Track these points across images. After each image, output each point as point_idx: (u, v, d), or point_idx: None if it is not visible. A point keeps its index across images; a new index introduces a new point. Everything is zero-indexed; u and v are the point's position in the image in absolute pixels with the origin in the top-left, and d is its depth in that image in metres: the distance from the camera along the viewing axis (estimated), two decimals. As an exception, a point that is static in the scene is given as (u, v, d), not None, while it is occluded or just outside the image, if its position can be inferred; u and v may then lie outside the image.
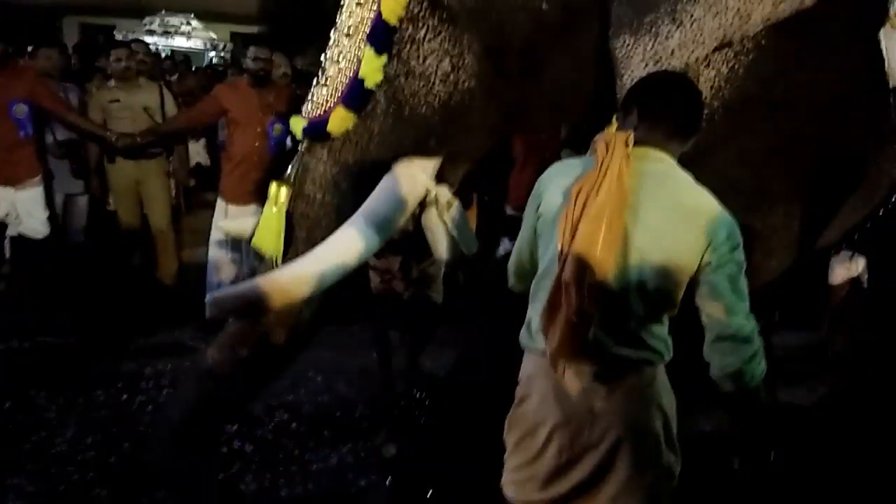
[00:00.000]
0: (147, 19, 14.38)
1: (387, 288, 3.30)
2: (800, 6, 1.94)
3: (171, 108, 5.01)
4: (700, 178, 1.68)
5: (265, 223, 2.21)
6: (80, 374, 3.82)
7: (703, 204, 1.65)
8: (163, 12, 14.34)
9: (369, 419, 3.47)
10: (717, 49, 2.00)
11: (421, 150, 2.19)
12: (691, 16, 1.92)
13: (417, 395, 3.41)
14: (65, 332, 4.30)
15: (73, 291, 4.72)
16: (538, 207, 1.75)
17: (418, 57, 2.07)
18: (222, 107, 4.49)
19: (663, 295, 1.65)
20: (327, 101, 2.13)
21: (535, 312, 1.75)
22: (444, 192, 2.24)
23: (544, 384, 1.73)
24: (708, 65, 2.10)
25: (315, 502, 2.88)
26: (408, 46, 2.07)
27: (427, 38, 2.05)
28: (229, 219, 4.25)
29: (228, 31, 15.88)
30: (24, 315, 4.41)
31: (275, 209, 2.18)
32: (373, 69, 2.06)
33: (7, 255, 4.85)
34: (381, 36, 2.05)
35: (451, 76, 2.07)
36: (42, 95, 4.42)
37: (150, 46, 13.06)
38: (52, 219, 4.64)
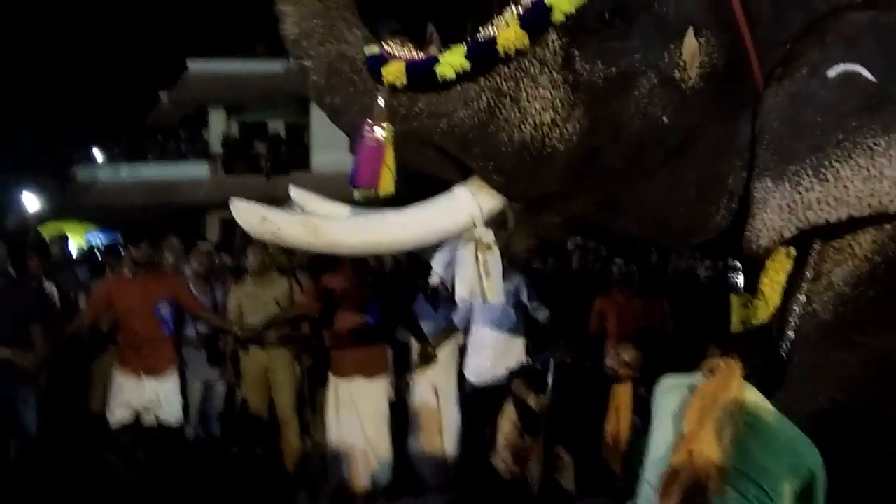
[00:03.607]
0: (279, 210, 15.65)
1: (517, 474, 3.16)
2: None
3: (300, 298, 5.30)
4: None
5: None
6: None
7: (794, 439, 1.82)
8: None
9: None
10: (872, 218, 1.89)
11: (486, 174, 2.12)
12: (837, 174, 1.86)
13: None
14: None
15: (203, 479, 4.82)
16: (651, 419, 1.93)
17: (528, 93, 2.03)
18: (329, 292, 4.90)
19: None
20: (401, 54, 2.06)
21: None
22: (488, 234, 2.18)
23: None
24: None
25: None
26: (525, 78, 2.03)
27: (542, 84, 2.03)
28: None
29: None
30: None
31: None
32: (452, 63, 1.99)
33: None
34: (482, 51, 1.99)
35: (544, 128, 2.03)
36: (183, 297, 4.96)
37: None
38: (185, 408, 4.90)
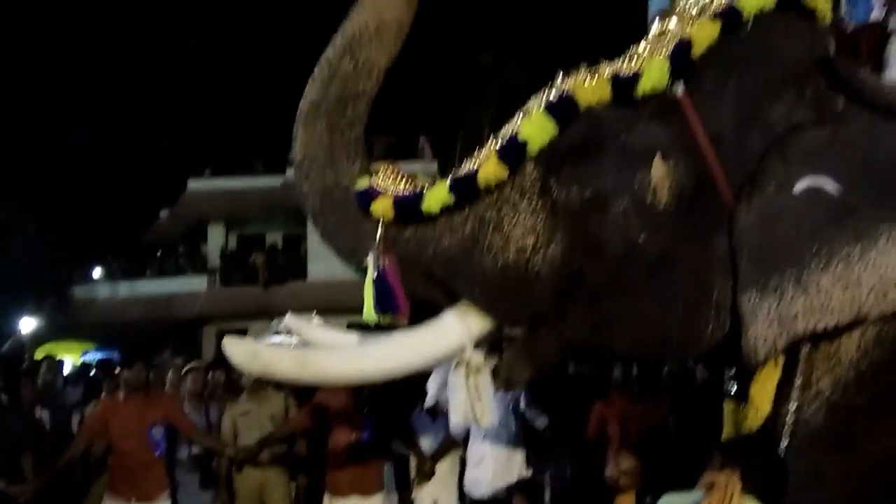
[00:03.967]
0: (275, 321, 15.66)
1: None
2: None
3: (295, 415, 5.24)
4: None
5: (367, 293, 2.16)
6: None
7: None
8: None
9: None
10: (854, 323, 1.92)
11: (472, 298, 2.15)
12: (818, 284, 1.90)
13: None
14: None
15: None
16: None
17: (510, 219, 2.09)
18: (324, 409, 4.85)
19: None
20: (388, 188, 2.12)
21: None
22: (477, 358, 2.17)
23: None
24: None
25: None
26: (506, 206, 2.09)
27: (523, 210, 2.09)
28: None
29: (346, 321, 17.05)
30: None
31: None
32: (437, 199, 2.05)
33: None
34: (464, 185, 2.07)
35: (527, 252, 2.08)
36: (176, 419, 4.93)
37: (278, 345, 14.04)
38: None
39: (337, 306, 16.97)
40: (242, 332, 17.67)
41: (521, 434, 4.91)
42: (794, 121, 2.06)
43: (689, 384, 5.79)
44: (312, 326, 2.48)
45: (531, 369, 2.30)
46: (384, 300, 2.12)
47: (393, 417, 4.90)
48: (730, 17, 2.09)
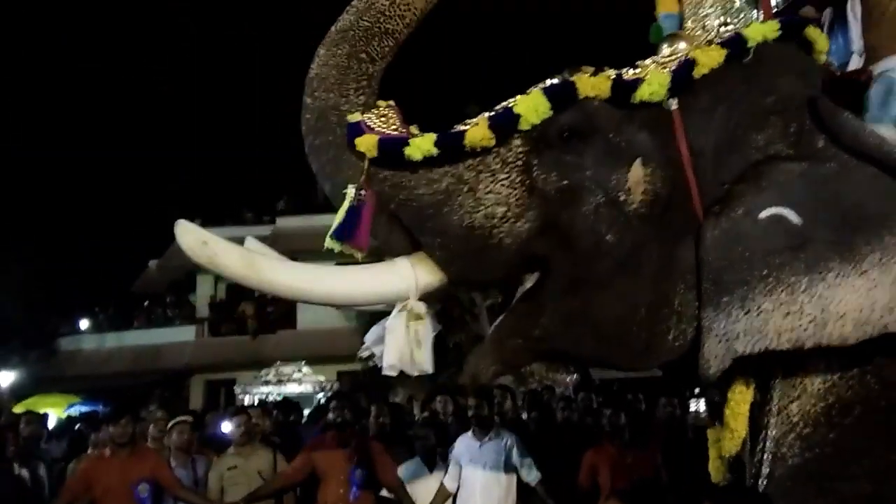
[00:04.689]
0: (263, 371, 15.55)
1: None
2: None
3: (283, 469, 5.16)
4: None
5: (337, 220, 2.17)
6: None
7: None
8: (277, 363, 15.52)
9: None
10: (791, 352, 1.96)
11: (432, 249, 2.18)
12: (759, 307, 1.96)
13: None
14: None
15: None
16: None
17: (485, 185, 2.14)
18: (312, 464, 4.82)
19: None
20: (379, 125, 2.17)
21: None
22: (419, 305, 2.18)
23: None
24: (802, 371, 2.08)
25: None
26: (485, 172, 2.15)
27: (500, 181, 2.15)
28: None
29: (336, 370, 16.92)
30: None
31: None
32: (420, 148, 2.11)
33: None
34: (449, 142, 2.13)
35: (495, 220, 2.13)
36: (163, 476, 4.84)
37: (264, 395, 13.86)
38: None
39: (326, 354, 16.95)
40: (231, 383, 17.56)
41: (513, 487, 4.85)
42: (773, 151, 2.15)
43: (680, 432, 5.77)
44: (276, 254, 2.41)
45: (497, 366, 2.30)
46: (348, 230, 2.13)
47: (382, 471, 4.83)
48: (735, 46, 2.20)
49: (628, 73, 2.21)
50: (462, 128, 2.16)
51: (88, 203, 22.54)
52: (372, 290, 2.24)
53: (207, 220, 19.83)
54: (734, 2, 2.47)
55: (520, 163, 2.16)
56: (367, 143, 2.13)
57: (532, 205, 2.14)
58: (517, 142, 2.16)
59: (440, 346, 2.33)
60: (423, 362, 2.20)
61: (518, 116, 2.13)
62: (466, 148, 2.13)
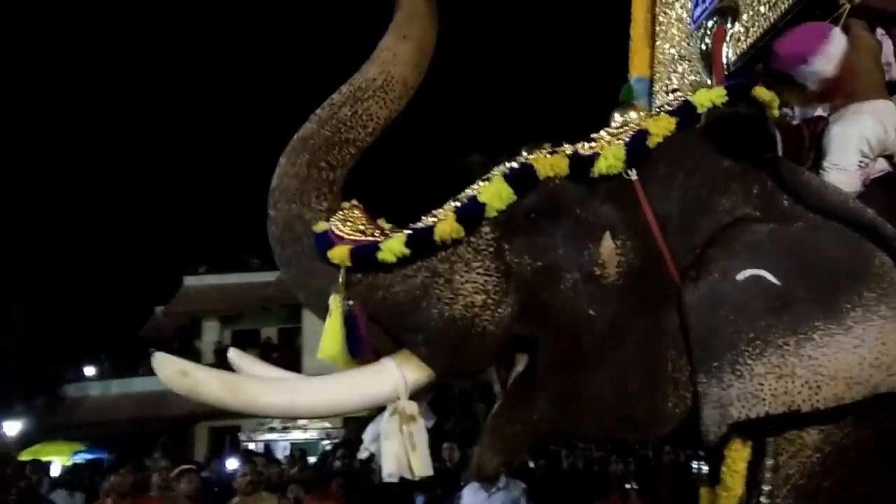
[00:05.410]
0: (268, 418, 15.45)
1: None
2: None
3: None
4: None
5: (328, 333, 2.14)
6: None
7: None
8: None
9: None
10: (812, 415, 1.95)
11: (414, 346, 2.14)
12: (751, 371, 1.95)
13: None
14: None
15: None
16: None
17: (461, 276, 2.13)
18: None
19: None
20: (348, 234, 2.16)
21: None
22: (411, 406, 2.13)
23: None
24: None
25: None
26: (459, 263, 2.13)
27: (475, 269, 2.13)
28: None
29: (342, 417, 16.79)
30: None
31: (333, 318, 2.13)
32: (392, 250, 2.10)
33: None
34: (420, 238, 2.12)
35: (476, 309, 2.11)
36: None
37: (270, 443, 13.70)
38: None
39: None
40: (235, 430, 17.41)
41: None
42: (739, 214, 2.17)
43: (686, 478, 5.71)
44: (253, 362, 2.42)
45: (500, 456, 2.27)
46: (354, 344, 2.11)
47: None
48: (684, 114, 2.25)
49: (584, 147, 2.24)
50: (430, 221, 2.16)
51: (95, 250, 22.72)
52: (359, 397, 2.20)
53: (213, 266, 20.03)
54: (698, 70, 2.57)
55: (492, 249, 2.16)
56: (339, 255, 2.12)
57: (510, 289, 2.14)
58: (486, 229, 2.17)
59: (445, 395, 2.35)
60: (421, 467, 2.15)
61: (483, 205, 2.14)
62: (437, 243, 2.13)
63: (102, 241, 23.07)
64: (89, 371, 20.77)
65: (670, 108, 2.28)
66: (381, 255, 2.12)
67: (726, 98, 2.28)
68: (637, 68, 2.57)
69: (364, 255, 2.13)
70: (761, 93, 2.32)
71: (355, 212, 2.23)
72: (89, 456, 14.59)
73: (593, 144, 2.24)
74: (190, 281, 19.55)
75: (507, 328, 2.14)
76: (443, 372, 2.22)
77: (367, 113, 2.20)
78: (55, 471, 10.67)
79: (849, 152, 2.57)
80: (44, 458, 11.03)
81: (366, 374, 2.19)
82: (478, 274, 2.14)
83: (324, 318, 2.15)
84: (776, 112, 2.36)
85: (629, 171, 2.17)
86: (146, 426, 18.40)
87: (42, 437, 15.86)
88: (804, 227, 2.11)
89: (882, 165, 2.55)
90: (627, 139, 2.21)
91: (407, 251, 2.11)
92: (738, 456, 2.10)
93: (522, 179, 2.17)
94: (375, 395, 2.18)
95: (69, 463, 13.09)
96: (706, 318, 2.05)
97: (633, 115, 2.36)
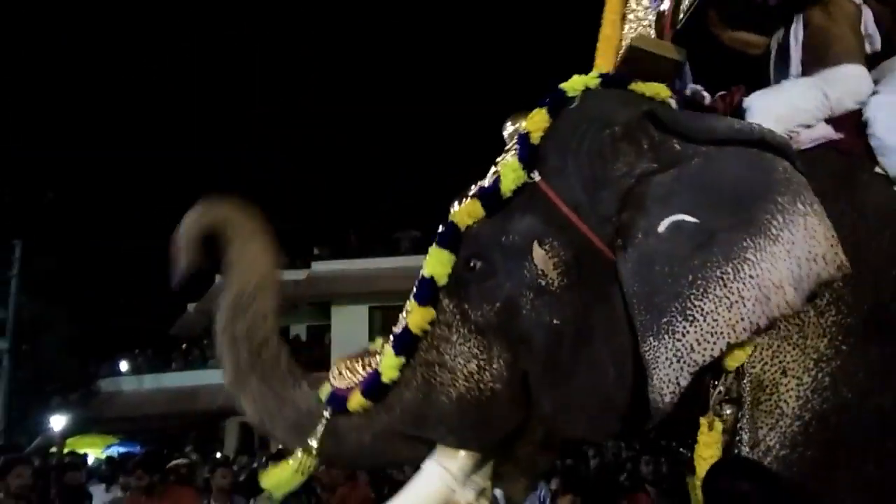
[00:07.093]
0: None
1: None
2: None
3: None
4: None
5: (283, 476, 2.29)
6: None
7: None
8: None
9: None
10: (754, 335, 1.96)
11: (443, 438, 2.25)
12: (702, 311, 1.96)
13: None
14: None
15: None
16: None
17: (449, 354, 2.23)
18: None
19: None
20: (351, 381, 2.31)
21: None
22: (468, 494, 2.21)
23: None
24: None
25: None
26: (442, 343, 2.24)
27: (456, 342, 2.23)
28: None
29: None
30: None
31: (298, 472, 2.29)
32: (390, 366, 2.24)
33: None
34: (404, 341, 2.25)
35: (475, 377, 2.20)
36: None
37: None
38: None
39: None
40: (265, 426, 17.56)
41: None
42: (638, 171, 2.19)
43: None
44: None
45: (525, 481, 2.39)
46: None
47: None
48: (554, 101, 2.31)
49: (488, 175, 2.33)
50: (403, 323, 2.30)
51: (130, 249, 23.10)
52: (427, 498, 2.30)
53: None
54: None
55: (459, 316, 2.26)
56: (357, 402, 2.28)
57: (492, 342, 2.22)
58: (446, 301, 2.27)
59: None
60: None
61: (432, 279, 2.26)
62: (416, 335, 2.25)
63: (137, 240, 23.45)
64: (123, 366, 21.15)
65: (542, 101, 2.34)
66: (385, 377, 2.26)
67: (600, 81, 2.35)
68: (600, 67, 2.58)
69: (374, 387, 2.27)
70: (641, 87, 2.38)
71: (344, 365, 2.38)
72: (122, 449, 14.86)
73: (493, 169, 2.33)
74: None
75: (511, 378, 2.20)
76: (480, 448, 2.31)
77: (258, 313, 2.39)
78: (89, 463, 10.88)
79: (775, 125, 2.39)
80: (80, 451, 11.27)
81: (416, 487, 2.32)
82: (461, 345, 2.24)
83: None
84: (661, 96, 2.38)
85: (532, 175, 2.23)
86: (178, 420, 18.69)
87: (76, 431, 16.18)
88: (703, 161, 2.13)
89: (823, 131, 2.45)
90: (516, 147, 2.27)
91: (401, 359, 2.25)
92: (710, 440, 2.09)
93: (452, 238, 2.29)
94: (433, 497, 2.29)
95: (102, 456, 13.34)
96: (644, 279, 2.06)
97: (523, 123, 2.37)
